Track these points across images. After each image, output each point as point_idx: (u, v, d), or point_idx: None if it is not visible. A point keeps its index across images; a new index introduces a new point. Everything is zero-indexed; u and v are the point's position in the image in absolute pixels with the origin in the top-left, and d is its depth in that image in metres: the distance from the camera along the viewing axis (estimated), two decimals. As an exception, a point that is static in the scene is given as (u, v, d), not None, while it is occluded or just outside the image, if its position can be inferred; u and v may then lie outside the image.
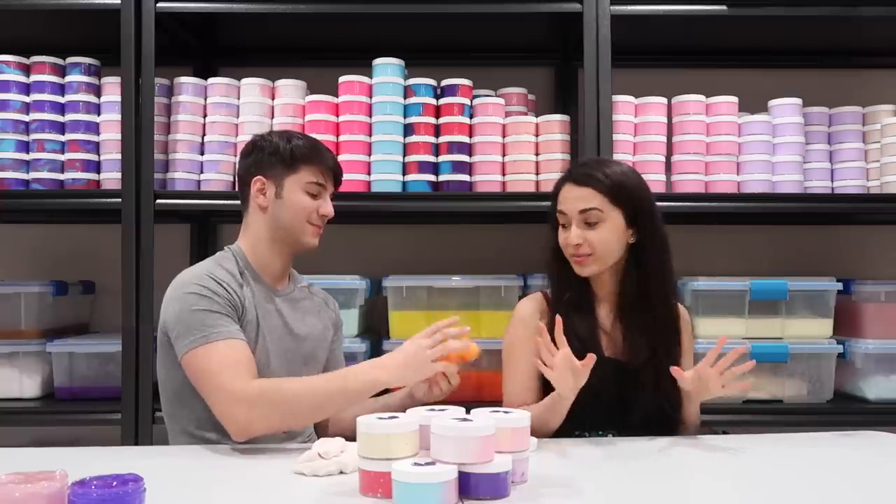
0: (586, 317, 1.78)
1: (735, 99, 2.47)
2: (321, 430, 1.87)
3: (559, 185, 1.82)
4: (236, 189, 1.89)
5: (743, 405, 2.39)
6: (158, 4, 2.31)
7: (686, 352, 1.83)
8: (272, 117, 2.42)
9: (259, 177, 1.79)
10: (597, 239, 1.73)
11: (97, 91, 2.46)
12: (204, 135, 2.43)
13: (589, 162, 1.87)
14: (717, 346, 1.65)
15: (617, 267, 1.79)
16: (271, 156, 1.79)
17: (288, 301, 1.84)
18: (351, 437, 1.62)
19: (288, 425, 1.67)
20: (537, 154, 2.41)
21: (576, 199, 1.75)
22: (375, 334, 2.56)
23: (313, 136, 1.99)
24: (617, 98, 2.38)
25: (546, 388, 1.74)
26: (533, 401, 1.76)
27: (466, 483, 1.19)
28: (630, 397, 1.74)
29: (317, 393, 1.61)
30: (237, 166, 1.88)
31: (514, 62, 2.84)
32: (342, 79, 2.41)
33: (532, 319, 1.80)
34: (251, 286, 1.76)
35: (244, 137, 2.31)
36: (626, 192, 1.75)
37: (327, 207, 1.83)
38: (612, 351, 1.79)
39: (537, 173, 2.41)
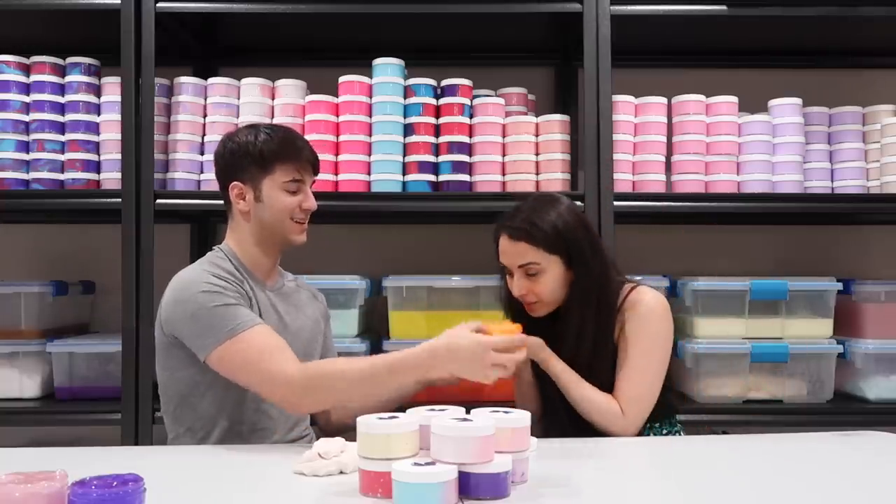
0: (543, 333, 1.82)
1: (735, 99, 2.47)
2: (323, 417, 1.89)
3: (496, 234, 1.82)
4: None
5: (743, 405, 2.39)
6: (158, 4, 2.31)
7: (629, 337, 1.77)
8: (272, 117, 2.42)
9: (235, 182, 1.75)
10: (540, 289, 1.78)
11: (97, 91, 2.46)
12: (204, 135, 2.43)
13: (523, 210, 1.80)
14: None
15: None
16: (242, 159, 1.74)
17: (280, 296, 1.84)
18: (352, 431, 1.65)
19: (338, 404, 1.73)
20: (537, 154, 2.41)
21: (513, 254, 1.78)
22: (375, 334, 2.56)
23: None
24: (617, 98, 2.38)
25: (542, 389, 1.85)
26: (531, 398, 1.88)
27: (466, 483, 1.19)
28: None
29: (367, 381, 1.59)
30: (214, 170, 1.84)
31: (514, 62, 2.84)
32: (342, 79, 2.41)
33: None
34: (248, 283, 1.76)
35: (244, 137, 2.31)
36: (561, 240, 1.76)
37: (309, 201, 1.79)
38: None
39: (537, 173, 2.41)
